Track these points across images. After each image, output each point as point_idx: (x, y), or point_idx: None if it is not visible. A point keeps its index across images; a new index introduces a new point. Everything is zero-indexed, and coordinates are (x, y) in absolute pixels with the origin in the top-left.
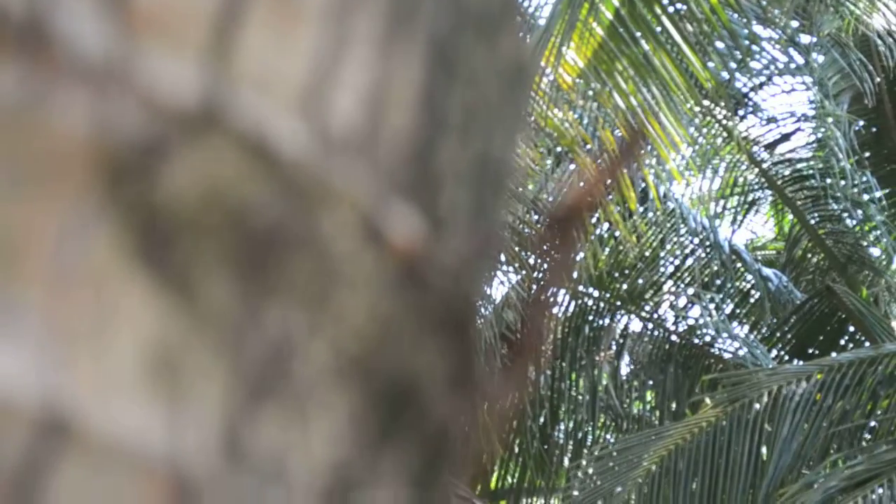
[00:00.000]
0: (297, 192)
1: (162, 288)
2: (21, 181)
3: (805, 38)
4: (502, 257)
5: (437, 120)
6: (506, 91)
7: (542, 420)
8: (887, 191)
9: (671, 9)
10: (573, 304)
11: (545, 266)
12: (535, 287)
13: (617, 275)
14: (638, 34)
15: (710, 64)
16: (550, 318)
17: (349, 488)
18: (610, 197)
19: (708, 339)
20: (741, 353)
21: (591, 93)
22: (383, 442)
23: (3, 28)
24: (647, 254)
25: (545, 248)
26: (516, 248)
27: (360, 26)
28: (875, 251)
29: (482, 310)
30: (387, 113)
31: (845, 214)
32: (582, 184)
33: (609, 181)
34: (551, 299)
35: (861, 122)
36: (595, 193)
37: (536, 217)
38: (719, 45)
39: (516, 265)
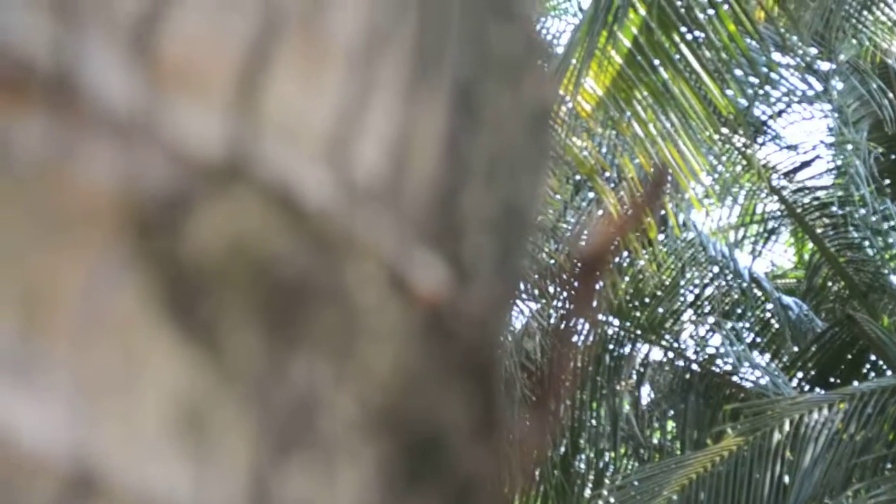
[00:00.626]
0: (323, 244)
1: (188, 341)
2: (47, 234)
3: (824, 66)
4: (522, 286)
5: (462, 167)
6: (530, 136)
7: (562, 449)
8: None
9: (689, 37)
10: (593, 333)
11: (569, 302)
12: (556, 319)
13: (637, 303)
14: (656, 62)
15: (729, 92)
16: (574, 353)
17: None
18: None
19: (729, 367)
20: (762, 381)
21: (609, 121)
22: (410, 494)
23: (30, 79)
24: (666, 282)
25: (568, 285)
26: (535, 277)
27: (386, 71)
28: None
29: (503, 340)
30: (411, 160)
31: (866, 242)
32: (608, 225)
33: (636, 223)
34: (574, 336)
35: (880, 150)
36: (622, 236)
37: (556, 245)
38: (738, 72)
39: (535, 294)
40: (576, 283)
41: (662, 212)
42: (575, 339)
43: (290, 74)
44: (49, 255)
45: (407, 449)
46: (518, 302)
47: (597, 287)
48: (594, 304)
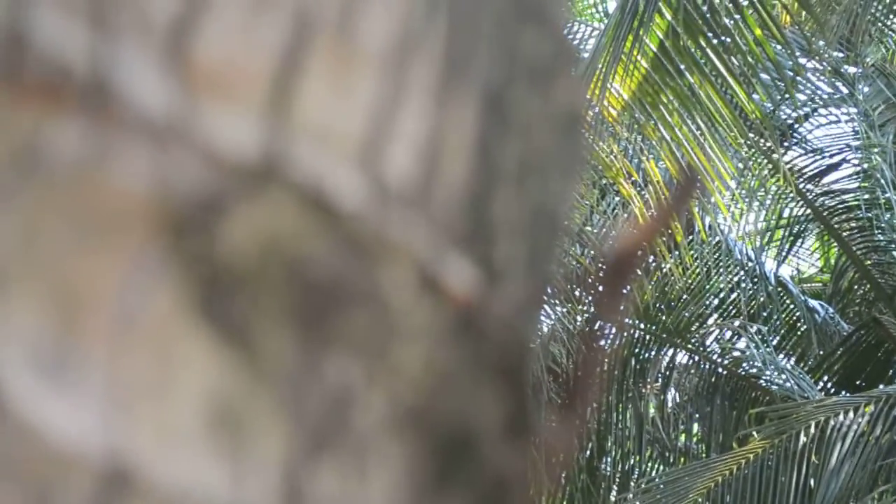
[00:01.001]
0: (356, 245)
1: (222, 341)
2: (84, 235)
3: (850, 69)
4: (549, 289)
5: (492, 170)
6: (560, 140)
7: (588, 452)
8: None
9: (715, 41)
10: (619, 336)
11: (595, 306)
12: (582, 322)
13: (663, 307)
14: (682, 66)
15: (755, 96)
16: (600, 356)
17: None
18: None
19: (754, 370)
20: (788, 385)
21: (636, 125)
22: (441, 491)
23: (67, 84)
24: (692, 286)
25: (595, 289)
26: (562, 281)
27: (417, 75)
28: None
29: (532, 343)
30: (442, 164)
31: (892, 245)
32: (635, 230)
33: (663, 227)
34: (600, 340)
35: None
36: (648, 240)
37: (582, 249)
38: (764, 76)
39: (562, 297)
40: (602, 287)
41: (688, 215)
42: (601, 342)
43: (322, 77)
44: (85, 256)
45: (438, 448)
46: (545, 305)
47: (623, 291)
48: (621, 307)
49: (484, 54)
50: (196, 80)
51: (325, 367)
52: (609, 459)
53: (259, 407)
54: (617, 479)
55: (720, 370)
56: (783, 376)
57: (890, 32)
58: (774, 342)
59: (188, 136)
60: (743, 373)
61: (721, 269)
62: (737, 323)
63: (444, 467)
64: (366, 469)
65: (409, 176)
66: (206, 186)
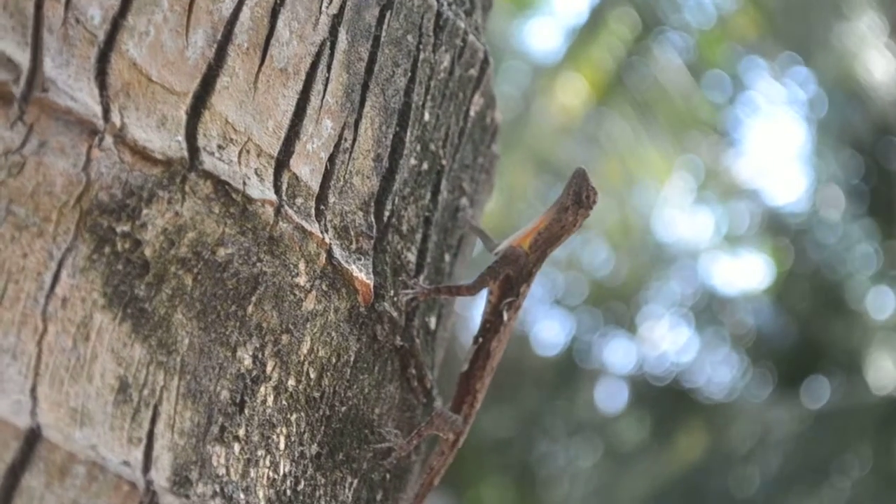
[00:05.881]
0: (266, 241)
1: (136, 326)
2: (9, 223)
3: (805, 83)
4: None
5: (397, 177)
6: (471, 150)
7: (524, 447)
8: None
9: (673, 36)
10: (564, 330)
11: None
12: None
13: (607, 305)
14: (639, 67)
15: (706, 99)
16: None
17: None
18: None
19: (698, 374)
20: (729, 388)
21: (590, 123)
22: (334, 465)
23: (10, 87)
24: (639, 288)
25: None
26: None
27: (323, 88)
28: (859, 293)
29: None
30: (349, 169)
31: (834, 258)
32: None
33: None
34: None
35: (855, 175)
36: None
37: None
38: (714, 78)
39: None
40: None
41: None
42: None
43: (236, 88)
44: (9, 244)
45: (335, 428)
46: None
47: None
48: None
49: (389, 69)
50: (125, 89)
51: (231, 351)
52: (546, 455)
53: (162, 388)
54: (554, 476)
55: (665, 371)
56: (726, 380)
57: (842, 47)
58: (718, 347)
59: (115, 134)
60: (688, 375)
61: (665, 273)
62: (682, 326)
63: (338, 443)
64: (267, 444)
65: (319, 178)
66: (128, 181)
